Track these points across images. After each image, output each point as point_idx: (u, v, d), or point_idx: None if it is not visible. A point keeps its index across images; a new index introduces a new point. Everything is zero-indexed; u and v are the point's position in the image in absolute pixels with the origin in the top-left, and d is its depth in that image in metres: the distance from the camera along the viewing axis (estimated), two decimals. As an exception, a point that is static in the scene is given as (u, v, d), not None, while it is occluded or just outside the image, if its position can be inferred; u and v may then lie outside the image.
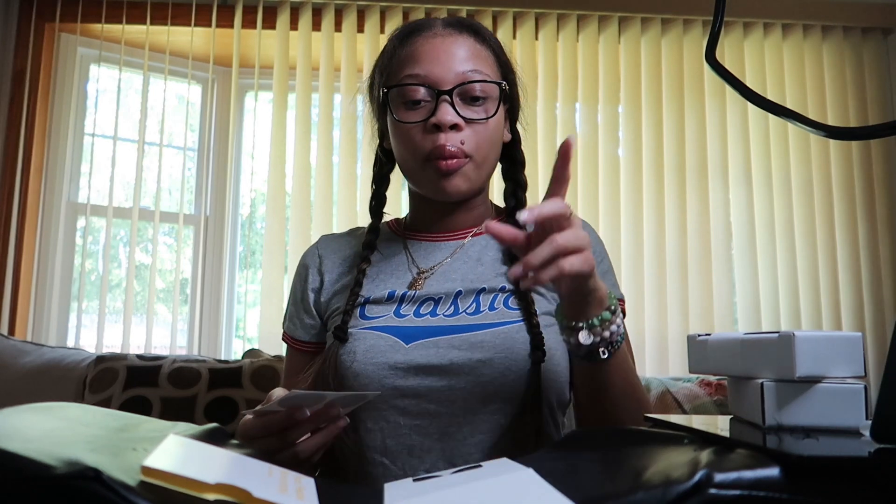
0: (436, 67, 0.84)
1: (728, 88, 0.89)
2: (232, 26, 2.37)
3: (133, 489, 0.33)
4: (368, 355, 0.82)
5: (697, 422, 0.59)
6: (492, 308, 0.85)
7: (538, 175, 2.33)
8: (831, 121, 2.46)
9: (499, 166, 0.96)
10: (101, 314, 2.22)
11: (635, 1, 2.45)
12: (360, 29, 2.39)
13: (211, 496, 0.36)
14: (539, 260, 0.60)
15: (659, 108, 2.44)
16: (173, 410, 1.28)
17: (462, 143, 0.83)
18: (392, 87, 0.86)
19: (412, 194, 0.96)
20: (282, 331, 1.00)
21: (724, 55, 2.47)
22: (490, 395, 0.79)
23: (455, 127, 0.83)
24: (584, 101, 2.43)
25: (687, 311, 2.34)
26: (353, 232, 1.02)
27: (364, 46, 2.36)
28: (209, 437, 0.49)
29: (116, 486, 0.32)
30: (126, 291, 2.26)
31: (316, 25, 2.38)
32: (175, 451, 0.41)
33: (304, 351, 0.96)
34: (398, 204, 2.07)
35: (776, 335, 0.50)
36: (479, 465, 0.51)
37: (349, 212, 2.28)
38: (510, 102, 0.92)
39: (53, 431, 0.42)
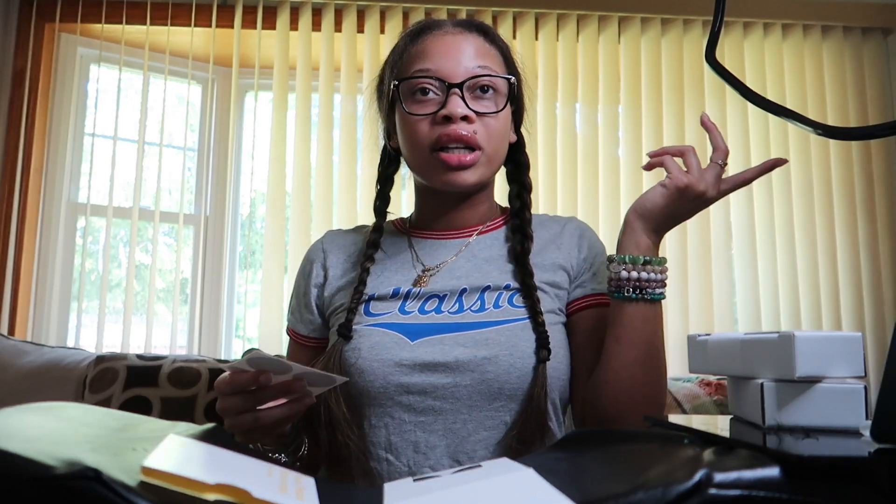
0: (446, 62, 0.86)
1: (728, 88, 0.89)
2: (232, 26, 2.37)
3: (133, 489, 0.33)
4: (373, 352, 0.82)
5: (697, 422, 0.59)
6: (496, 306, 0.85)
7: (538, 175, 2.33)
8: (831, 121, 2.46)
9: (502, 170, 0.97)
10: (101, 314, 2.22)
11: (635, 1, 2.44)
12: (360, 29, 2.39)
13: (211, 496, 0.36)
14: (676, 150, 0.89)
15: (659, 108, 2.44)
16: (173, 410, 1.28)
17: (475, 134, 0.85)
18: (403, 80, 0.87)
19: (418, 191, 0.97)
20: (283, 328, 1.01)
21: (724, 55, 2.47)
22: (494, 393, 0.80)
23: (466, 119, 0.84)
24: (584, 101, 2.43)
25: (687, 311, 2.34)
26: (358, 229, 1.02)
27: (364, 46, 2.36)
28: (209, 437, 0.49)
29: (116, 486, 0.32)
30: (126, 291, 2.26)
31: (316, 25, 2.38)
32: (175, 451, 0.41)
33: (306, 345, 0.97)
34: (399, 205, 2.07)
35: (776, 335, 0.50)
36: (479, 465, 0.51)
37: (349, 212, 2.28)
38: (516, 103, 0.93)
39: (53, 431, 0.42)
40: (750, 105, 0.76)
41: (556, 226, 0.96)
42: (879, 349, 2.36)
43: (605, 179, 2.39)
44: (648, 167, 0.86)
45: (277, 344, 2.14)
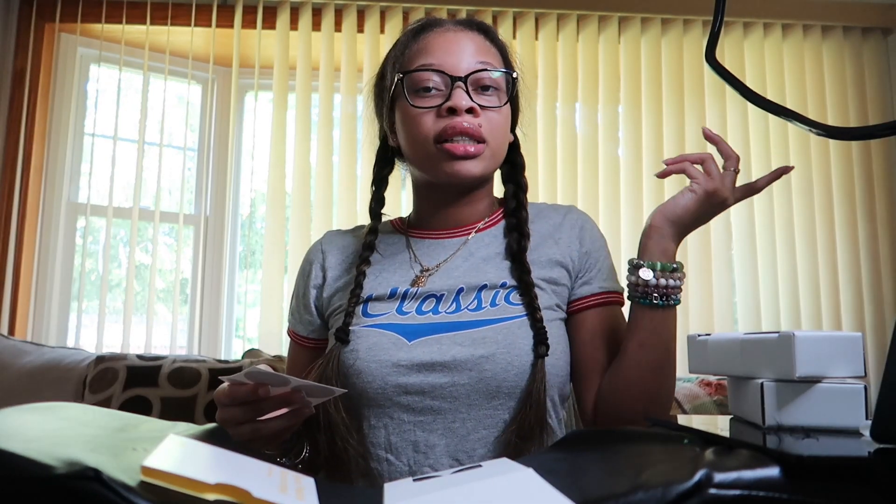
0: (449, 58, 0.87)
1: (728, 88, 0.89)
2: (232, 26, 2.37)
3: (133, 489, 0.33)
4: (371, 353, 0.82)
5: (697, 422, 0.59)
6: (493, 304, 0.85)
7: (538, 175, 2.33)
8: (831, 121, 2.46)
9: (498, 171, 0.97)
10: (101, 314, 2.22)
11: (635, 1, 2.45)
12: (360, 29, 2.39)
13: (211, 496, 0.36)
14: (694, 158, 0.83)
15: (659, 108, 2.44)
16: (173, 410, 1.28)
17: (480, 127, 0.85)
18: (407, 73, 0.87)
19: (417, 188, 0.96)
20: (283, 329, 1.01)
21: (724, 55, 2.47)
22: (493, 391, 0.80)
23: (471, 112, 0.85)
24: (584, 101, 2.43)
25: (687, 311, 2.34)
26: (357, 230, 1.02)
27: (364, 46, 2.37)
28: (209, 437, 0.49)
29: (116, 486, 0.32)
30: (126, 291, 2.26)
31: (316, 25, 2.38)
32: (175, 451, 0.41)
33: (306, 346, 0.97)
34: (398, 205, 2.07)
35: (776, 335, 0.50)
36: (479, 465, 0.51)
37: (349, 212, 2.28)
38: (513, 105, 0.94)
39: (53, 431, 0.42)
40: (750, 105, 0.75)
41: (556, 216, 0.96)
42: (879, 349, 2.36)
43: (605, 179, 2.39)
44: (665, 174, 0.85)
45: (277, 344, 2.14)
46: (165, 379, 1.32)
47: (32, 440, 0.37)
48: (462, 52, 0.87)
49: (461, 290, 0.87)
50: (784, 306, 2.38)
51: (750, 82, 2.29)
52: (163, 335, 2.36)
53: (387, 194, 0.98)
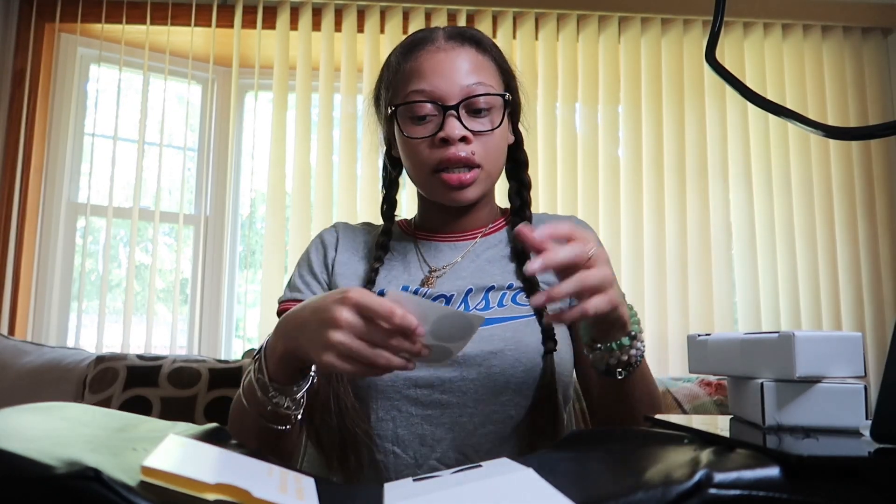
0: (441, 82, 0.87)
1: (728, 88, 0.89)
2: (232, 26, 2.37)
3: (133, 489, 0.33)
4: None
5: (697, 422, 0.59)
6: (500, 304, 0.87)
7: (538, 175, 2.33)
8: (831, 121, 2.47)
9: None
10: (101, 314, 2.22)
11: (635, 1, 2.45)
12: (360, 29, 2.39)
13: (211, 496, 0.36)
14: (562, 295, 0.63)
15: (659, 108, 2.44)
16: (173, 410, 1.28)
17: (473, 154, 0.86)
18: (399, 106, 0.88)
19: (421, 198, 0.99)
20: (280, 306, 0.97)
21: (724, 55, 2.47)
22: (501, 387, 0.82)
23: (464, 140, 0.86)
24: (584, 101, 2.43)
25: (687, 311, 2.34)
26: (366, 226, 1.04)
27: (364, 46, 2.36)
28: (209, 437, 0.49)
29: (116, 486, 0.32)
30: (126, 291, 2.26)
31: (316, 25, 2.38)
32: (175, 451, 0.41)
33: None
34: (399, 205, 2.07)
35: (776, 335, 0.50)
36: (479, 465, 0.51)
37: (349, 212, 2.28)
38: (512, 105, 0.94)
39: (53, 431, 0.42)
40: (750, 105, 0.75)
41: (559, 223, 0.97)
42: (879, 349, 2.36)
43: (605, 179, 2.39)
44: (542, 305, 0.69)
45: (277, 344, 2.14)
46: (165, 379, 1.32)
47: (32, 440, 0.37)
48: (455, 74, 0.87)
49: (469, 290, 0.89)
50: (784, 306, 2.38)
51: (750, 82, 2.29)
52: (163, 335, 2.36)
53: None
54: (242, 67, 2.44)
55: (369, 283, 0.90)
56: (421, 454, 0.81)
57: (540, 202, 2.32)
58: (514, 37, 2.43)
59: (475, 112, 0.87)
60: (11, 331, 2.16)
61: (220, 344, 2.37)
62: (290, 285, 0.97)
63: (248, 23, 2.38)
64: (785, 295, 2.38)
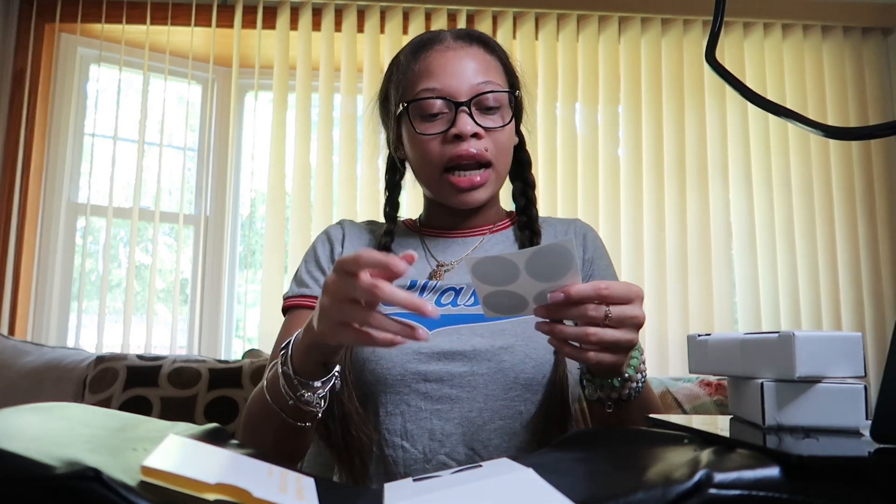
0: (451, 80, 0.88)
1: (728, 88, 0.89)
2: (232, 26, 2.37)
3: (133, 489, 0.33)
4: None
5: (697, 422, 0.59)
6: None
7: (538, 175, 2.33)
8: (831, 121, 2.46)
9: None
10: (101, 314, 2.22)
11: (635, 1, 2.45)
12: (360, 29, 2.39)
13: (211, 496, 0.36)
14: (570, 337, 0.63)
15: (659, 108, 2.44)
16: (173, 410, 1.28)
17: (486, 150, 0.87)
18: (411, 102, 0.89)
19: (427, 199, 1.00)
20: (285, 302, 0.96)
21: (724, 55, 2.47)
22: (510, 382, 0.82)
23: (476, 136, 0.87)
24: (584, 101, 2.43)
25: (687, 311, 2.34)
26: (370, 224, 1.04)
27: (364, 46, 2.36)
28: (209, 437, 0.49)
29: (116, 486, 0.32)
30: (126, 291, 2.26)
31: (316, 25, 2.38)
32: (175, 451, 0.41)
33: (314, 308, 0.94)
34: (403, 206, 2.07)
35: (776, 335, 0.50)
36: (479, 465, 0.51)
37: (349, 212, 2.28)
38: (516, 107, 0.95)
39: (53, 431, 0.42)
40: (750, 105, 0.75)
41: (561, 225, 1.00)
42: (879, 349, 2.36)
43: (605, 179, 2.39)
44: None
45: (277, 344, 2.14)
46: (165, 379, 1.32)
47: (32, 440, 0.37)
48: (464, 72, 0.88)
49: None
50: (784, 306, 2.38)
51: (750, 82, 2.30)
52: (163, 335, 2.36)
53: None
54: (242, 67, 2.44)
55: None
56: (430, 449, 0.81)
57: (540, 202, 2.29)
58: (514, 37, 2.43)
59: (485, 110, 0.89)
60: (11, 331, 2.16)
61: (220, 344, 2.36)
62: (297, 280, 0.95)
63: (248, 23, 2.38)
64: (785, 295, 2.38)
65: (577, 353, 0.64)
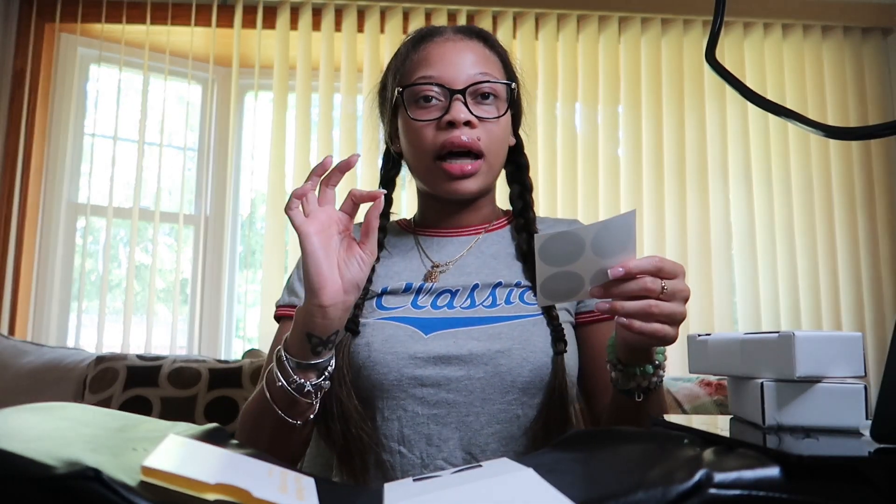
0: (448, 69, 0.88)
1: (728, 88, 0.89)
2: (232, 26, 2.37)
3: (133, 489, 0.33)
4: (387, 345, 0.83)
5: (697, 422, 0.59)
6: (508, 302, 0.87)
7: (538, 175, 2.33)
8: (831, 121, 2.47)
9: (503, 171, 0.98)
10: (101, 314, 2.22)
11: (635, 1, 2.45)
12: (360, 29, 2.39)
13: (211, 496, 0.36)
14: (632, 312, 0.64)
15: (659, 108, 2.44)
16: (173, 410, 1.28)
17: (478, 140, 0.86)
18: (406, 87, 0.89)
19: (421, 193, 0.99)
20: (277, 311, 0.96)
21: (724, 55, 2.47)
22: (507, 386, 0.81)
23: (469, 124, 0.86)
24: (584, 101, 2.43)
25: (687, 311, 2.33)
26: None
27: (364, 46, 2.36)
28: (209, 437, 0.49)
29: (116, 486, 0.32)
30: (126, 291, 2.26)
31: (316, 25, 2.39)
32: (175, 451, 0.41)
33: None
34: (400, 205, 2.07)
35: (776, 335, 0.50)
36: (479, 465, 0.51)
37: (349, 212, 2.28)
38: (515, 108, 0.95)
39: (53, 431, 0.42)
40: (750, 105, 0.75)
41: (562, 227, 0.98)
42: (879, 349, 2.36)
43: (605, 179, 2.39)
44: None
45: (277, 344, 2.14)
46: (165, 379, 1.32)
47: (32, 440, 0.37)
48: (462, 63, 0.88)
49: (476, 286, 0.88)
50: (784, 306, 2.38)
51: (750, 82, 2.29)
52: (163, 335, 2.36)
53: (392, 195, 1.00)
54: (242, 67, 2.44)
55: (367, 280, 0.89)
56: (427, 454, 0.81)
57: (540, 202, 2.32)
58: (514, 37, 2.43)
59: (481, 101, 0.88)
60: (11, 331, 2.16)
61: (220, 344, 2.37)
62: (289, 288, 0.96)
63: (248, 23, 2.38)
64: (785, 295, 2.38)
65: (643, 328, 0.65)
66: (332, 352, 0.76)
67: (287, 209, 0.71)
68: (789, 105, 2.05)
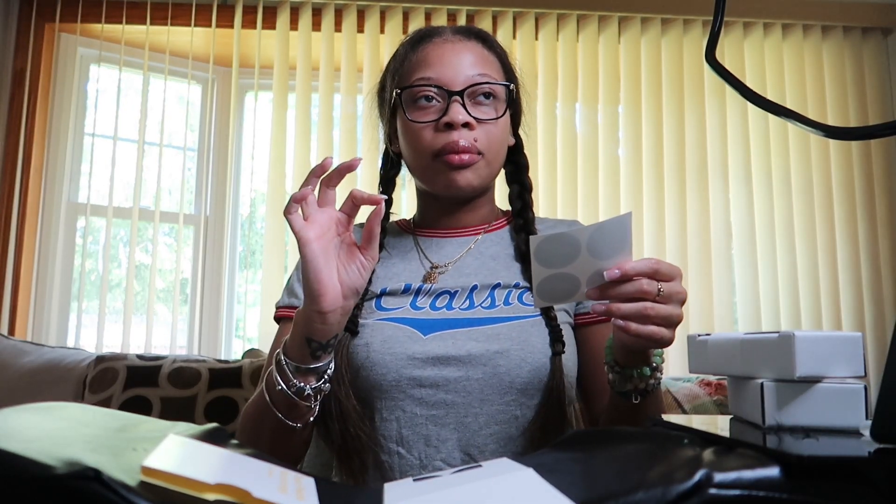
0: (447, 70, 0.88)
1: (728, 88, 0.89)
2: (232, 26, 2.37)
3: (133, 489, 0.33)
4: (386, 345, 0.83)
5: (697, 422, 0.59)
6: (506, 303, 0.87)
7: (538, 175, 2.33)
8: (831, 121, 2.47)
9: (502, 172, 0.98)
10: (101, 314, 2.22)
11: (635, 1, 2.45)
12: (360, 29, 2.39)
13: (211, 496, 0.36)
14: (628, 314, 0.64)
15: (659, 108, 2.44)
16: (173, 410, 1.28)
17: (475, 141, 0.86)
18: (405, 88, 0.89)
19: (420, 193, 0.99)
20: (277, 312, 0.95)
21: (724, 55, 2.47)
22: (506, 387, 0.81)
23: (467, 126, 0.86)
24: (584, 101, 2.43)
25: (687, 311, 2.34)
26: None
27: (364, 46, 2.37)
28: (209, 437, 0.49)
29: (116, 486, 0.32)
30: (126, 291, 2.26)
31: (316, 25, 2.39)
32: (175, 451, 0.41)
33: None
34: (399, 205, 2.07)
35: (776, 335, 0.50)
36: (479, 465, 0.51)
37: (349, 212, 2.28)
38: (514, 108, 0.95)
39: (53, 431, 0.42)
40: (750, 105, 0.75)
41: (561, 227, 0.99)
42: (879, 349, 2.36)
43: (605, 179, 2.39)
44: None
45: (277, 344, 2.14)
46: (165, 379, 1.32)
47: (32, 440, 0.37)
48: (460, 64, 0.88)
49: (475, 287, 0.88)
50: (784, 306, 2.38)
51: (750, 82, 2.29)
52: (163, 335, 2.36)
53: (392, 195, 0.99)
54: (242, 67, 2.44)
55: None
56: (426, 455, 0.81)
57: (540, 202, 2.32)
58: (514, 37, 2.43)
59: (479, 102, 0.88)
60: (11, 331, 2.16)
61: (220, 344, 2.37)
62: (288, 290, 0.96)
63: (248, 23, 2.38)
64: (785, 295, 2.38)
65: (639, 330, 0.64)
66: (331, 355, 0.76)
67: (286, 213, 0.70)
68: (789, 105, 2.05)
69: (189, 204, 2.46)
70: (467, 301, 0.87)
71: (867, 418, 0.49)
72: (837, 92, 2.49)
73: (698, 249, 2.37)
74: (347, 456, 0.83)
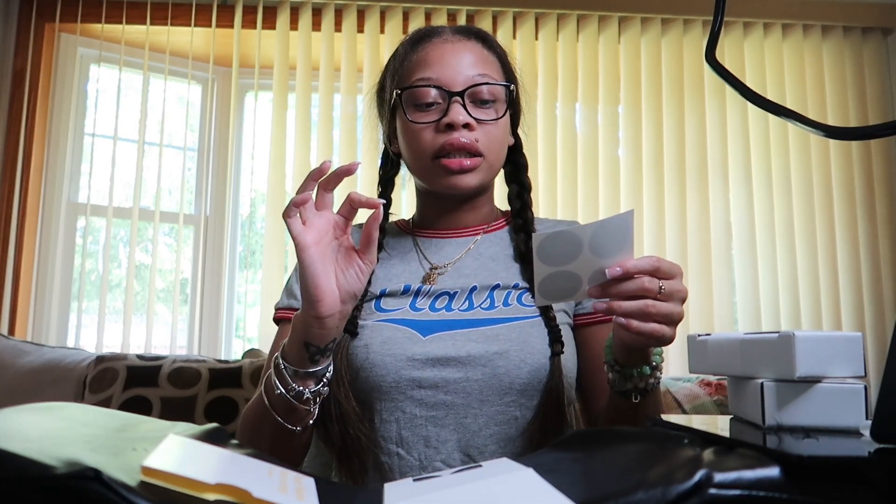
0: (447, 71, 0.88)
1: (728, 88, 0.89)
2: (232, 26, 2.37)
3: (133, 489, 0.33)
4: (385, 346, 0.83)
5: (697, 422, 0.59)
6: (506, 304, 0.87)
7: (538, 175, 2.33)
8: (831, 121, 2.47)
9: (501, 172, 0.98)
10: (101, 314, 2.22)
11: (635, 1, 2.45)
12: (360, 29, 2.39)
13: (211, 496, 0.36)
14: (629, 311, 0.64)
15: (659, 108, 2.44)
16: (173, 410, 1.28)
17: (476, 141, 0.86)
18: (405, 89, 0.89)
19: (420, 193, 0.98)
20: (276, 314, 0.95)
21: (724, 55, 2.47)
22: (505, 387, 0.81)
23: (467, 126, 0.86)
24: (584, 101, 2.43)
25: (687, 311, 2.33)
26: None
27: (364, 46, 2.37)
28: (209, 437, 0.49)
29: (116, 486, 0.32)
30: (126, 291, 2.26)
31: (316, 25, 2.39)
32: (175, 451, 0.41)
33: None
34: (399, 205, 2.07)
35: (776, 335, 0.50)
36: (479, 465, 0.51)
37: (349, 212, 2.28)
38: (514, 108, 0.95)
39: (53, 431, 0.42)
40: (750, 105, 0.75)
41: (562, 228, 0.98)
42: (879, 349, 2.36)
43: (605, 179, 2.39)
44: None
45: (277, 344, 2.14)
46: (165, 379, 1.32)
47: (32, 440, 0.37)
48: (460, 64, 0.88)
49: (474, 288, 0.88)
50: (784, 306, 2.38)
51: (750, 82, 2.29)
52: (163, 335, 2.36)
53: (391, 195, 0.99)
54: (242, 67, 2.44)
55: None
56: (426, 456, 0.81)
57: (540, 203, 2.32)
58: (514, 37, 2.43)
59: (479, 102, 0.88)
60: (11, 331, 2.16)
61: (220, 344, 2.37)
62: (288, 290, 0.96)
63: (248, 23, 2.38)
64: (785, 295, 2.38)
65: (641, 327, 0.64)
66: (329, 359, 0.76)
67: (285, 216, 0.70)
68: (789, 105, 2.04)
69: (189, 204, 2.46)
70: (467, 302, 0.87)
71: (867, 418, 0.49)
72: (837, 92, 2.49)
73: (698, 249, 2.37)
74: (347, 457, 0.83)
